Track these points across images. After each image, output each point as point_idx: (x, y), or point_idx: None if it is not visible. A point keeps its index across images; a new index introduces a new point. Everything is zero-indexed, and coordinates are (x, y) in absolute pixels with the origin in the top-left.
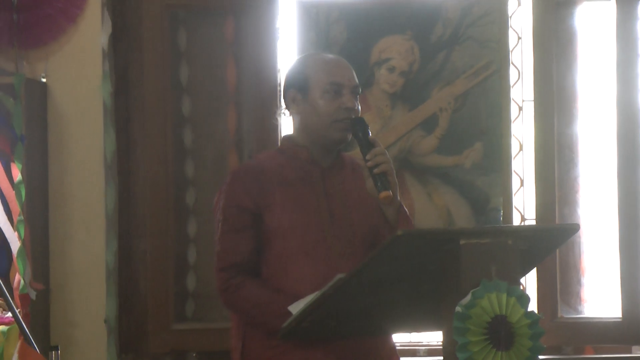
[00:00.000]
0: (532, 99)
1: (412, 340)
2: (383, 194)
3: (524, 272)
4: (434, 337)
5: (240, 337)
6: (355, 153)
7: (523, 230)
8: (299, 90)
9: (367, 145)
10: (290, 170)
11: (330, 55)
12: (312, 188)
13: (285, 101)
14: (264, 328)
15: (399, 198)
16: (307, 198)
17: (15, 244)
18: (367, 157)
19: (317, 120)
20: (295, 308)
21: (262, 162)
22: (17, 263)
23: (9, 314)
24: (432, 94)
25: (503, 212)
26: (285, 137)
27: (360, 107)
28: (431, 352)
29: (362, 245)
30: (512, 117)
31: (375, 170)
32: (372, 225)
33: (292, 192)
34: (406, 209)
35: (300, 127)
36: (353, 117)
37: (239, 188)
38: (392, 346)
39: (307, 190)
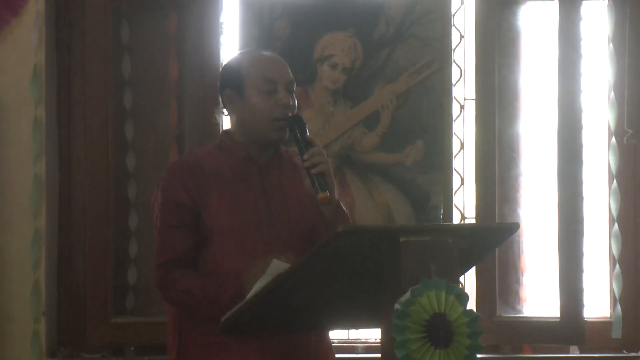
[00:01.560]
0: (474, 97)
1: (350, 337)
2: (321, 195)
3: (464, 271)
4: (372, 335)
5: (176, 334)
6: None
7: (463, 229)
8: (234, 89)
9: (305, 144)
10: (227, 168)
11: (264, 52)
12: (250, 185)
13: (222, 100)
14: (204, 316)
15: (337, 197)
16: (244, 196)
17: None
18: (305, 157)
19: (254, 118)
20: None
21: (200, 158)
22: None
23: None
24: (374, 91)
25: (443, 211)
26: (223, 132)
27: (297, 103)
28: (369, 349)
29: (300, 243)
30: (454, 115)
31: (313, 171)
32: (310, 222)
33: (229, 190)
34: (345, 208)
35: (237, 125)
36: (290, 114)
37: (176, 184)
38: (328, 343)
39: (244, 188)
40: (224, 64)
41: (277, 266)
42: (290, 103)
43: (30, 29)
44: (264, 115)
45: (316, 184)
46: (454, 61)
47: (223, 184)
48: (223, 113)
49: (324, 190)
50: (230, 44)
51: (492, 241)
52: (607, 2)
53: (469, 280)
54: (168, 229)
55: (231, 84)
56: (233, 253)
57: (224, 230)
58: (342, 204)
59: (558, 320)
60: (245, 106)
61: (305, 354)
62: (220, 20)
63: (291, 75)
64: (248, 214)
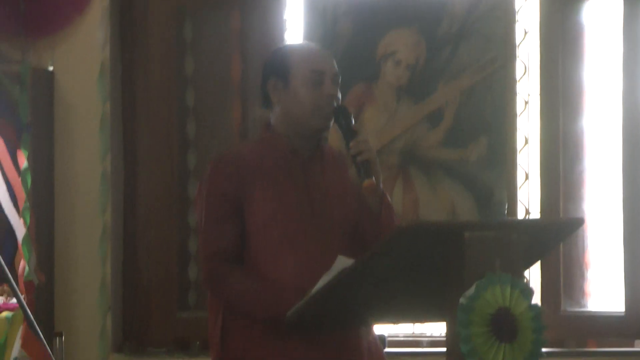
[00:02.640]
0: (538, 93)
1: (415, 332)
2: (366, 182)
3: (528, 266)
4: (437, 329)
5: (219, 329)
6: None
7: (527, 224)
8: (280, 78)
9: (351, 133)
10: (269, 161)
11: (311, 44)
12: (292, 178)
13: (264, 90)
14: (249, 316)
15: (382, 187)
16: (286, 188)
17: (20, 230)
18: (350, 145)
19: (299, 108)
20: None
21: (242, 152)
22: (22, 250)
23: (14, 300)
24: (438, 88)
25: (508, 206)
26: (265, 126)
27: (340, 96)
28: (434, 344)
29: (342, 236)
30: (518, 111)
31: (358, 159)
32: (352, 215)
33: (271, 183)
34: (389, 198)
35: (280, 116)
36: (335, 104)
37: (220, 176)
38: (374, 337)
39: (286, 181)
40: (269, 56)
41: (342, 262)
42: (336, 94)
43: (94, 27)
44: (310, 105)
45: (362, 171)
46: (518, 57)
47: (266, 177)
48: (264, 106)
49: (370, 177)
50: (294, 42)
51: (556, 236)
52: None
53: (533, 275)
54: (213, 221)
55: (277, 73)
56: (275, 245)
57: (266, 222)
58: (387, 195)
59: (623, 314)
60: (291, 95)
61: (351, 348)
62: (284, 17)
63: (337, 68)
64: (290, 206)
